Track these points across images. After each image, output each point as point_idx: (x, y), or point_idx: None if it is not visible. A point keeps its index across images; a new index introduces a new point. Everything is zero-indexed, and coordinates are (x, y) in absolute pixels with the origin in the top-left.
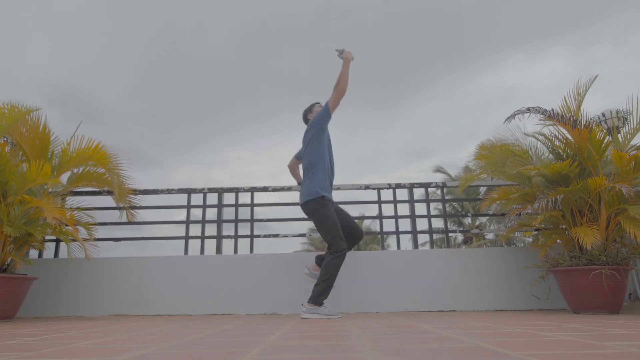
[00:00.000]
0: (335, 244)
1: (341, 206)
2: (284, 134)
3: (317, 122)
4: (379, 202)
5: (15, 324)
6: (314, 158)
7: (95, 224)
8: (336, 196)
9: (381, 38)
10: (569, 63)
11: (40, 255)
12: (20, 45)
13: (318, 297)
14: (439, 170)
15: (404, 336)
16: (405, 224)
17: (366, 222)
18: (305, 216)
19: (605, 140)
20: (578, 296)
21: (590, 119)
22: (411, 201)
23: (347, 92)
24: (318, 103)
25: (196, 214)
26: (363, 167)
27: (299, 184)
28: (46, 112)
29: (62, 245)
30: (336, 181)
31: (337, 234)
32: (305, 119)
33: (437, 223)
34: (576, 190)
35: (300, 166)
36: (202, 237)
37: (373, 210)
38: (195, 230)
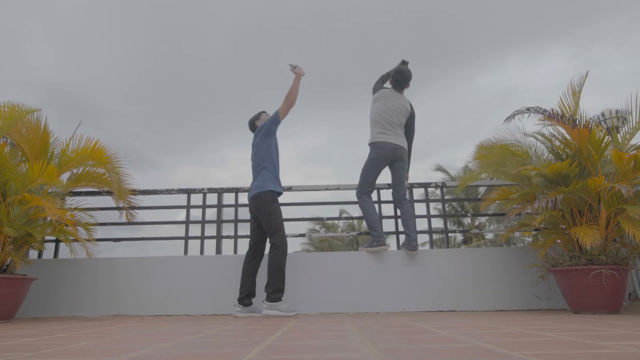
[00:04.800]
0: (279, 237)
1: (341, 206)
2: (284, 134)
3: (266, 126)
4: (379, 202)
5: (14, 324)
6: (264, 159)
7: (95, 224)
8: (336, 196)
9: (381, 38)
10: (569, 62)
11: (39, 255)
12: (19, 46)
13: (273, 293)
14: (438, 169)
15: (404, 336)
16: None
17: (365, 223)
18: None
19: (605, 140)
20: (578, 296)
21: (590, 119)
22: (410, 201)
23: (347, 92)
24: (264, 112)
25: (196, 214)
26: None
27: None
28: (46, 113)
29: (62, 245)
30: (336, 181)
31: (281, 228)
32: (252, 125)
33: (437, 223)
34: (576, 190)
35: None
36: (202, 238)
37: None
38: (195, 230)
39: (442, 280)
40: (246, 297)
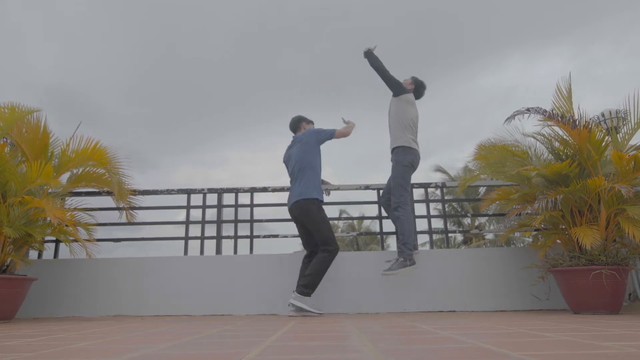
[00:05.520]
0: (332, 243)
1: (341, 206)
2: (284, 134)
3: (319, 138)
4: (379, 202)
5: (14, 324)
6: (310, 166)
7: (95, 225)
8: (336, 196)
9: (381, 38)
10: (569, 62)
11: (39, 255)
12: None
13: (306, 287)
14: (438, 170)
15: (404, 336)
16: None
17: (366, 223)
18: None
19: (605, 141)
20: (578, 296)
21: (590, 119)
22: (410, 201)
23: (348, 94)
24: (306, 121)
25: (196, 214)
26: (363, 168)
27: (327, 192)
28: (46, 113)
29: (62, 245)
30: (336, 181)
31: (332, 233)
32: (294, 129)
33: (437, 223)
34: (576, 190)
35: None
36: (202, 238)
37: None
38: (194, 230)
39: (442, 281)
40: (307, 287)
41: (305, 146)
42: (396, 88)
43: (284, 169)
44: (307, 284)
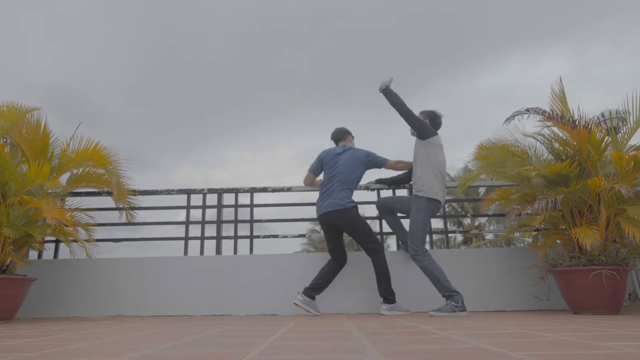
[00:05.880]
0: (376, 241)
1: None
2: (284, 134)
3: (369, 162)
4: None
5: (14, 324)
6: (353, 181)
7: (94, 225)
8: None
9: (381, 38)
10: (569, 62)
11: (39, 256)
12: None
13: (388, 295)
14: None
15: (404, 337)
16: (404, 225)
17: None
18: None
19: (605, 141)
20: (578, 296)
21: (590, 119)
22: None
23: (348, 94)
24: (352, 135)
25: (196, 214)
26: None
27: None
28: (46, 113)
29: (62, 246)
30: None
31: (373, 233)
32: (337, 139)
33: (437, 223)
34: (576, 190)
35: (322, 178)
36: (202, 238)
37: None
38: (194, 231)
39: None
40: (315, 290)
41: (358, 163)
42: (424, 131)
43: (284, 169)
44: (386, 291)
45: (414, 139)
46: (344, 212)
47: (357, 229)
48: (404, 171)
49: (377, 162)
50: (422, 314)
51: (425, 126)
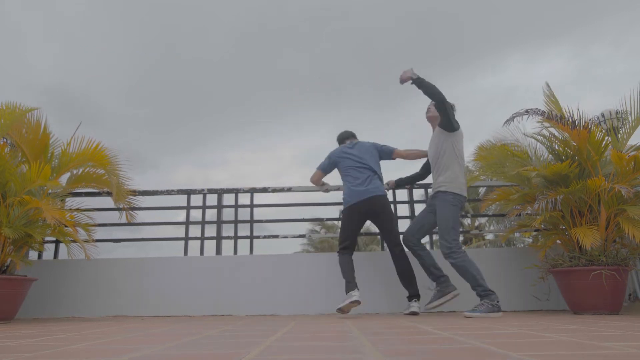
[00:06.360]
0: (399, 237)
1: (341, 207)
2: (284, 134)
3: (379, 147)
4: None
5: (14, 325)
6: (379, 170)
7: (94, 225)
8: (336, 197)
9: (381, 39)
10: (569, 62)
11: (39, 256)
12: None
13: (414, 293)
14: None
15: (404, 337)
16: (405, 225)
17: (366, 223)
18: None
19: (605, 141)
20: (578, 297)
21: (589, 120)
22: (411, 202)
23: (348, 94)
24: (356, 137)
25: (196, 215)
26: None
27: (327, 190)
28: (46, 113)
29: (62, 246)
30: (336, 182)
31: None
32: (343, 140)
33: None
34: (576, 190)
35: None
36: (202, 238)
37: None
38: (194, 231)
39: None
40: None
41: (372, 148)
42: (456, 122)
43: (284, 169)
44: (414, 288)
45: (413, 139)
46: (386, 199)
47: (392, 217)
48: (420, 169)
49: (385, 149)
50: (424, 314)
51: (452, 118)
